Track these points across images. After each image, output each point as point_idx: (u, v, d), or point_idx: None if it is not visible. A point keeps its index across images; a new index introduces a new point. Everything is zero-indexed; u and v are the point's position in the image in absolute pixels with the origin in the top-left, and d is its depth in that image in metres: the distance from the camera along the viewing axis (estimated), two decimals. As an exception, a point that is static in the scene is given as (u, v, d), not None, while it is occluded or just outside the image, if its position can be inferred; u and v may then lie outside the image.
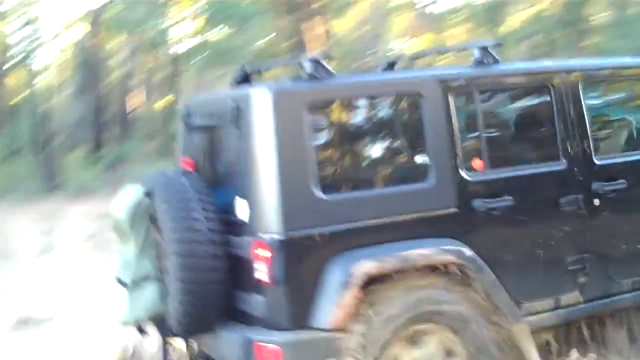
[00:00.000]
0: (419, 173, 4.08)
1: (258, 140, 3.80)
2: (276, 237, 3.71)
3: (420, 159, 4.15)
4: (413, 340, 3.88)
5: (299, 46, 26.66)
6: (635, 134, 5.01)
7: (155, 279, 4.13)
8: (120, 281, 4.23)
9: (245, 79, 4.66)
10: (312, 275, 3.70)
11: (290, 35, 27.12)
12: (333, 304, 3.63)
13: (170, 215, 3.85)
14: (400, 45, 33.55)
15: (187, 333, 4.19)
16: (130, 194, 4.20)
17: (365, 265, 3.69)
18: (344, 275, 3.65)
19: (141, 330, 4.44)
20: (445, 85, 4.17)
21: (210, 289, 3.85)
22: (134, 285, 4.12)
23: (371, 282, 3.75)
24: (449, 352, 3.98)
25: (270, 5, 27.80)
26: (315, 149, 3.83)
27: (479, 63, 4.42)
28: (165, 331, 4.30)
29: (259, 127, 3.79)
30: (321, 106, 3.94)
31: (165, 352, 4.45)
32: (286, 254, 3.69)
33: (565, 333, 4.58)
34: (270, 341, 3.67)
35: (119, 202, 4.24)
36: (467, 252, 3.98)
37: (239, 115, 3.92)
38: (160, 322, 4.23)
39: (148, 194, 4.12)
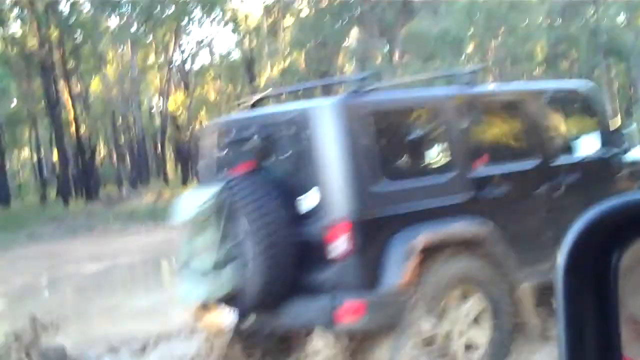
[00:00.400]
0: (447, 167, 4.88)
1: (330, 143, 4.49)
2: (349, 219, 4.40)
3: (446, 155, 4.94)
4: (464, 296, 4.68)
5: (57, 105, 26.02)
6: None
7: (232, 261, 4.58)
8: (191, 266, 4.68)
9: (258, 102, 5.46)
10: (380, 248, 4.45)
11: (46, 96, 26.37)
12: (399, 270, 4.43)
13: (252, 207, 4.47)
14: (157, 102, 33.73)
15: (263, 306, 4.63)
16: (207, 191, 4.64)
17: (421, 239, 4.48)
18: (405, 247, 4.45)
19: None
20: (453, 100, 5.04)
21: (285, 268, 4.48)
22: (216, 267, 4.58)
23: (424, 253, 4.53)
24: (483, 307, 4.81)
25: (18, 68, 26.99)
26: (374, 148, 4.57)
27: (473, 85, 5.22)
28: (239, 306, 4.71)
29: (329, 132, 4.50)
30: (376, 114, 4.67)
31: (236, 324, 4.80)
32: (358, 231, 4.40)
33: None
34: (357, 298, 4.37)
35: (195, 198, 4.68)
36: (486, 227, 4.78)
37: (305, 124, 4.58)
38: (232, 299, 4.65)
39: (223, 190, 4.61)
